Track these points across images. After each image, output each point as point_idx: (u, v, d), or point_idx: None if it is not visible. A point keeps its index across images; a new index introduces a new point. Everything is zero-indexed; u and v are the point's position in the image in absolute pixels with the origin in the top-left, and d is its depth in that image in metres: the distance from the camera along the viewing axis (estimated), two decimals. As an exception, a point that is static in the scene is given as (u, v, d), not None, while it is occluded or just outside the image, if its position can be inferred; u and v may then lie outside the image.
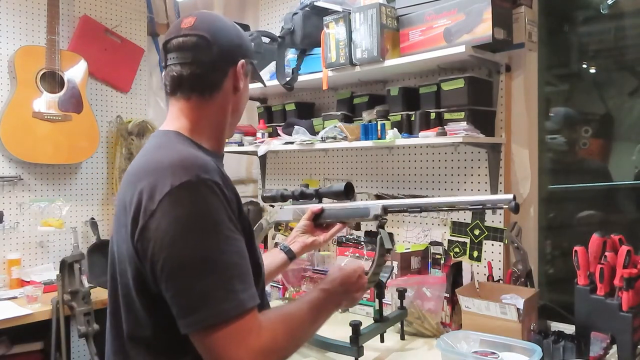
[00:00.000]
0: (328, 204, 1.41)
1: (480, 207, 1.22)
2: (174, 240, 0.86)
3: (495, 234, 2.01)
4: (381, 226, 1.28)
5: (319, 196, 1.42)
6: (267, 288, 2.20)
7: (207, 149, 1.06)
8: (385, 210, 1.27)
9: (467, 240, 2.10)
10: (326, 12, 2.19)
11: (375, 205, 1.28)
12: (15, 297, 2.44)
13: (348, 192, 1.36)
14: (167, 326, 0.90)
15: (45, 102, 2.68)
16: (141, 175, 0.94)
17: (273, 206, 1.62)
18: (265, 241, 2.70)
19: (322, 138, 2.23)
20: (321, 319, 1.06)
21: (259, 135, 2.57)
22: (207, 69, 1.05)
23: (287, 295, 2.34)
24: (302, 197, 1.43)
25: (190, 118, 1.06)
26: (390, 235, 2.28)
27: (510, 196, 1.12)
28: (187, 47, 1.03)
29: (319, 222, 1.39)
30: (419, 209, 1.26)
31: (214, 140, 1.08)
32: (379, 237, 1.26)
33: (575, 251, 1.57)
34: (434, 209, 1.26)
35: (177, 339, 0.90)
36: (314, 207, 1.40)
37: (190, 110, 1.06)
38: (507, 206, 1.13)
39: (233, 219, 0.93)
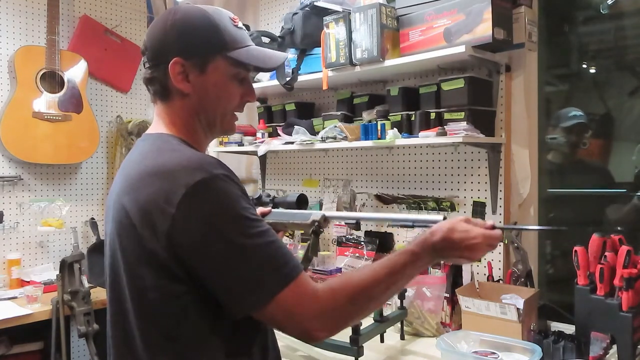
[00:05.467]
0: (278, 209, 1.45)
1: (410, 224, 1.24)
2: (207, 237, 0.89)
3: (495, 234, 2.01)
4: (315, 232, 1.28)
5: (274, 205, 1.47)
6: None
7: (199, 151, 1.06)
8: (325, 218, 1.30)
9: (467, 240, 2.09)
10: (326, 12, 2.19)
11: (317, 213, 1.32)
12: (15, 297, 2.44)
13: (300, 203, 1.41)
14: (195, 320, 0.94)
15: (45, 102, 2.69)
16: (148, 180, 0.93)
17: None
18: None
19: (322, 138, 2.23)
20: (404, 282, 1.02)
21: (259, 135, 2.57)
22: (151, 73, 1.05)
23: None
24: (258, 202, 1.48)
25: (170, 121, 1.06)
26: (389, 235, 2.31)
27: (440, 217, 1.14)
28: (142, 51, 1.07)
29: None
30: (354, 222, 1.31)
31: (194, 142, 1.07)
32: (308, 242, 1.28)
33: (575, 251, 1.57)
34: (368, 220, 1.30)
35: (204, 330, 0.94)
36: (264, 209, 1.43)
37: (166, 113, 1.07)
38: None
39: (251, 204, 0.96)
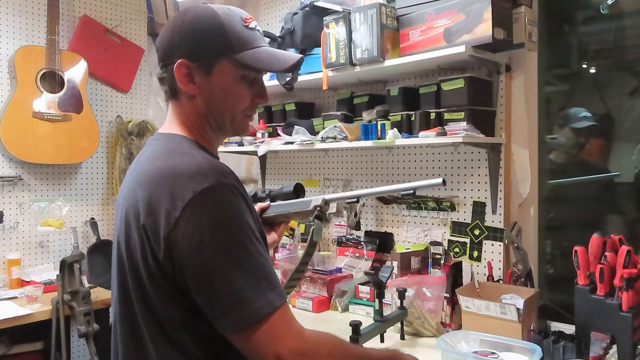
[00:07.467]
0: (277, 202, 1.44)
1: (412, 191, 1.26)
2: (202, 246, 0.87)
3: (495, 234, 2.01)
4: (318, 217, 1.29)
5: (272, 199, 1.46)
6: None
7: (211, 152, 1.06)
8: (326, 202, 1.30)
9: (467, 240, 2.10)
10: (326, 12, 2.19)
11: (317, 198, 1.31)
12: (15, 297, 2.44)
13: (298, 193, 1.40)
14: (195, 326, 0.93)
15: (45, 102, 2.68)
16: (157, 181, 0.93)
17: None
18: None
19: (322, 138, 2.24)
20: None
21: (259, 135, 2.57)
22: (161, 74, 1.05)
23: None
24: (255, 199, 1.46)
25: (181, 120, 1.06)
26: (389, 235, 2.31)
27: (440, 180, 1.17)
28: (156, 50, 1.08)
29: (265, 217, 1.40)
30: (355, 199, 1.32)
31: (206, 143, 1.07)
32: (312, 227, 1.28)
33: (575, 251, 1.57)
34: (368, 195, 1.29)
35: (205, 337, 0.93)
36: (263, 204, 1.42)
37: (177, 113, 1.07)
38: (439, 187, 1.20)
39: (253, 221, 0.95)
